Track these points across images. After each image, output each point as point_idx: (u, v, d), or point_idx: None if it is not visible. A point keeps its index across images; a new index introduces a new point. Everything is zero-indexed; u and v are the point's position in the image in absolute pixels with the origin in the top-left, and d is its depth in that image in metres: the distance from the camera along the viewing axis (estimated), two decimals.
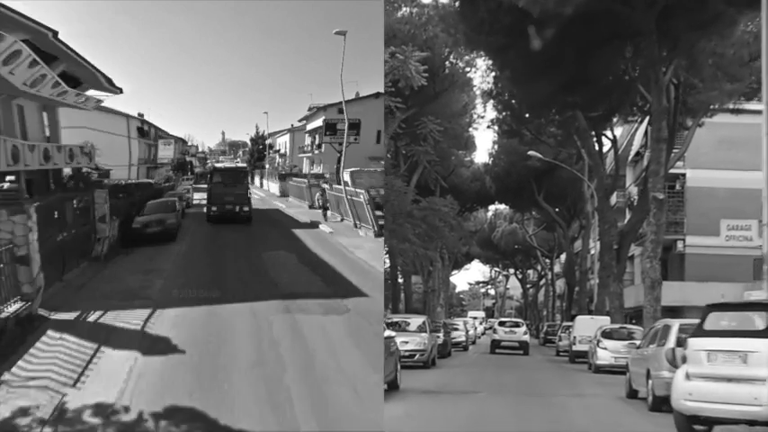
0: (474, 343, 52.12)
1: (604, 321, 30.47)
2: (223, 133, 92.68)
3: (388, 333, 15.85)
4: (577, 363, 30.42)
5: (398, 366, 17.07)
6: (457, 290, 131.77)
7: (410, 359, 23.00)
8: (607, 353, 25.41)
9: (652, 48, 23.76)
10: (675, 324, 14.67)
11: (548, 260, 79.97)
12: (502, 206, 74.40)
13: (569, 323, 40.08)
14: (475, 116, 47.55)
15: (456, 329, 41.07)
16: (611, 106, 31.92)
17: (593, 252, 50.06)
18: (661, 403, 13.84)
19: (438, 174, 48.76)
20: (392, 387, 16.10)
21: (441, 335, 30.85)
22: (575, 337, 32.11)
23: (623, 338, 25.90)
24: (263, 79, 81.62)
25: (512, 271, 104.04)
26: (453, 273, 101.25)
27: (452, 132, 43.81)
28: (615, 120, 38.72)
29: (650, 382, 14.56)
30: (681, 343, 13.52)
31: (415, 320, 26.67)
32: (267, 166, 57.44)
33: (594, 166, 37.28)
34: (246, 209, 30.58)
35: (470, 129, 48.73)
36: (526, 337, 40.23)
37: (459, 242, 46.45)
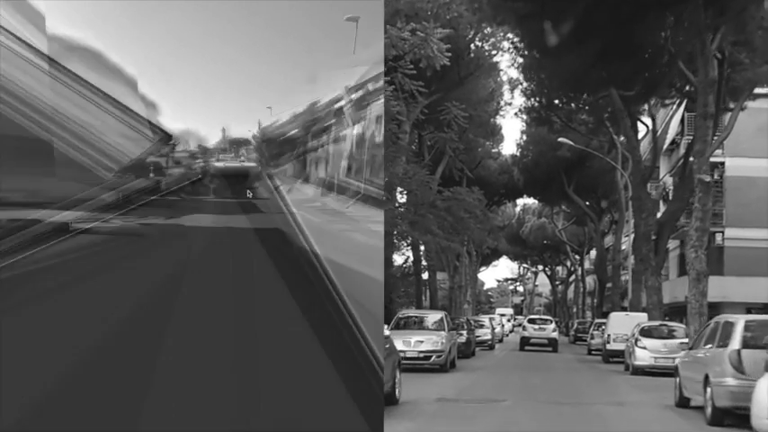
0: (501, 341, 49.88)
1: (641, 318, 28.32)
2: (224, 129, 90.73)
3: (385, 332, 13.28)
4: (612, 363, 28.56)
5: (398, 374, 13.77)
6: (485, 287, 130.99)
7: (426, 361, 20.86)
8: (646, 353, 23.12)
9: (698, 13, 21.37)
10: (740, 321, 12.14)
11: (577, 256, 78.17)
12: (530, 200, 73.77)
13: (602, 320, 38.41)
14: (502, 103, 45.81)
15: (481, 327, 38.81)
16: (649, 84, 29.41)
17: (625, 246, 47.99)
18: (723, 416, 11.68)
19: (464, 164, 47.16)
20: (389, 401, 12.88)
21: (464, 333, 28.84)
22: (609, 335, 30.07)
23: (664, 337, 23.79)
24: (265, 73, 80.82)
25: (540, 268, 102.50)
26: (481, 269, 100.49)
27: (478, 120, 41.89)
28: (652, 101, 36.22)
29: (709, 390, 12.06)
30: (747, 344, 11.40)
31: (432, 317, 24.50)
32: None
33: (630, 150, 34.44)
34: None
35: (497, 116, 46.82)
36: (555, 335, 40.71)
37: (487, 235, 44.06)
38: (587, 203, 55.78)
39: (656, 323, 25.87)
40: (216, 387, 8.49)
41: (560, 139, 41.00)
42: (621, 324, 29.13)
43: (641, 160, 35.35)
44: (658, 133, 43.72)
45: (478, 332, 36.49)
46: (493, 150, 55.92)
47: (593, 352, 35.72)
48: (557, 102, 40.14)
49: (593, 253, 78.01)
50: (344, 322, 10.05)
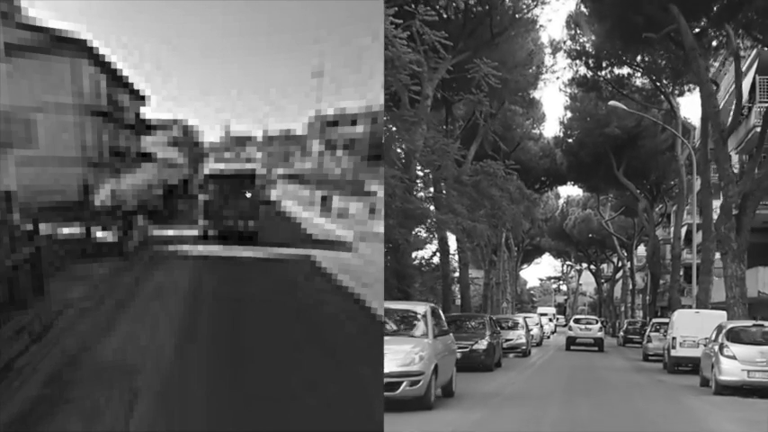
0: (540, 344, 44.67)
1: (718, 317, 22.50)
2: (227, 126, 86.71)
3: None
4: (679, 373, 23.46)
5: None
6: (527, 286, 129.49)
7: (390, 392, 12.05)
8: (736, 365, 17.23)
9: None
10: None
11: (625, 252, 73.16)
12: (575, 192, 72.32)
13: (661, 320, 34.15)
14: (543, 69, 40.13)
15: (513, 328, 32.77)
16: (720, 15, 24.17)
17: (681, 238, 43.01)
18: None
19: (498, 138, 42.74)
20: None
21: (485, 337, 23.02)
22: (674, 339, 24.73)
23: (758, 342, 17.84)
24: (268, 69, 78.70)
25: (585, 265, 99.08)
26: (523, 267, 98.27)
27: (515, 86, 36.37)
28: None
29: None
30: None
31: (408, 313, 14.82)
32: None
33: (705, 99, 27.51)
34: (252, 224, 25.22)
35: (537, 85, 41.18)
36: (601, 334, 41.28)
37: (524, 218, 38.52)
38: (639, 191, 50.74)
39: (747, 323, 19.41)
40: (215, 387, 9.13)
41: (611, 103, 35.94)
42: (690, 324, 24.35)
43: (719, 111, 29.06)
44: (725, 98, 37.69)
45: (509, 335, 31.09)
46: (533, 131, 51.27)
47: (651, 358, 31.55)
48: (606, 64, 34.99)
49: (642, 249, 73.80)
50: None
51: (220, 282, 17.38)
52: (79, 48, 31.71)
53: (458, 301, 46.27)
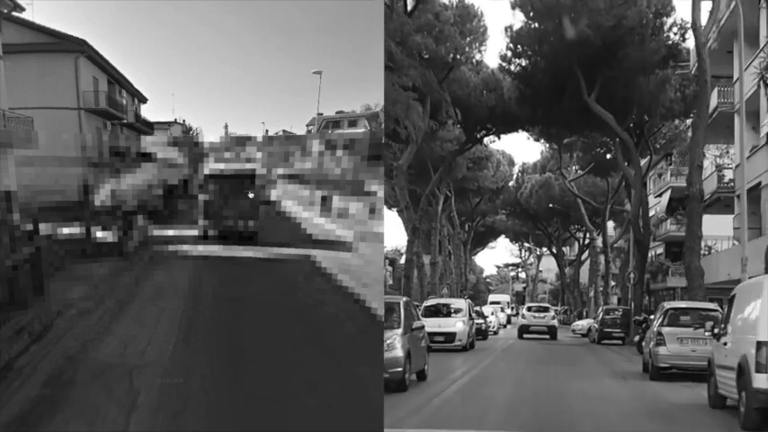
0: (470, 347, 30.77)
1: None
2: (226, 126, 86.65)
3: None
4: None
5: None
6: (484, 274, 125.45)
7: None
8: None
9: None
10: None
11: (594, 226, 61.04)
12: (530, 148, 63.72)
13: (680, 304, 22.96)
14: None
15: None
16: None
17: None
18: None
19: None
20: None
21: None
22: (725, 345, 13.36)
23: None
24: (270, 70, 78.72)
25: (545, 251, 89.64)
26: (476, 251, 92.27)
27: None
28: None
29: None
30: None
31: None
32: None
33: None
34: (252, 225, 25.19)
35: None
36: (554, 322, 41.57)
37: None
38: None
39: None
40: (215, 387, 9.10)
41: None
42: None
43: None
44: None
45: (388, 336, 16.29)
46: (474, 56, 39.02)
47: (664, 371, 19.69)
48: None
49: (612, 227, 63.34)
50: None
51: (220, 282, 17.33)
52: (79, 48, 31.84)
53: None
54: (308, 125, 59.50)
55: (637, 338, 29.20)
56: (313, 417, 8.36)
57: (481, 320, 35.36)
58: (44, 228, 13.17)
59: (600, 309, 45.49)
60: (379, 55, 22.53)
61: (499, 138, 45.21)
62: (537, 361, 26.55)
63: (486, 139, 45.36)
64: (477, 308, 40.04)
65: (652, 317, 26.40)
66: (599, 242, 60.09)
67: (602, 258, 60.51)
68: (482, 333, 35.93)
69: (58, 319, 12.42)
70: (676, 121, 40.78)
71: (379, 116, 47.44)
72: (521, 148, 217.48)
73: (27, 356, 10.21)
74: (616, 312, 39.85)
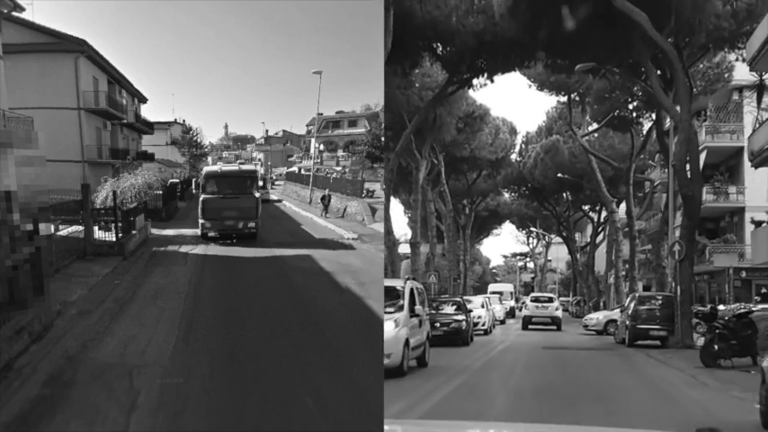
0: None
1: None
2: (226, 126, 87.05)
3: None
4: None
5: None
6: (491, 264, 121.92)
7: None
8: None
9: None
10: None
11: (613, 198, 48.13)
12: (531, 99, 55.81)
13: None
14: None
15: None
16: None
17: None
18: None
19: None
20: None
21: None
22: None
23: None
24: (270, 70, 78.54)
25: (555, 238, 79.93)
26: (481, 240, 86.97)
27: None
28: None
29: None
30: None
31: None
32: None
33: None
34: (252, 225, 25.19)
35: None
36: (558, 313, 40.66)
37: None
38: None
39: None
40: (215, 387, 9.08)
41: None
42: None
43: None
44: None
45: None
46: None
47: None
48: None
49: (623, 208, 47.02)
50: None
51: (220, 282, 17.34)
52: (79, 48, 31.85)
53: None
54: (308, 125, 59.50)
55: (700, 342, 21.73)
56: (313, 417, 8.33)
57: (462, 317, 25.83)
58: (44, 228, 13.13)
59: (629, 297, 30.70)
60: (379, 55, 22.44)
61: (492, 80, 32.89)
62: (531, 397, 13.51)
63: (476, 82, 33.47)
64: (465, 299, 31.56)
65: (722, 307, 22.07)
66: (621, 214, 47.04)
67: (622, 237, 48.10)
68: (460, 336, 25.61)
69: (57, 319, 12.43)
70: (717, 58, 33.50)
71: (379, 116, 47.43)
72: (523, 117, 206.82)
73: (27, 356, 10.20)
74: (655, 301, 27.50)
